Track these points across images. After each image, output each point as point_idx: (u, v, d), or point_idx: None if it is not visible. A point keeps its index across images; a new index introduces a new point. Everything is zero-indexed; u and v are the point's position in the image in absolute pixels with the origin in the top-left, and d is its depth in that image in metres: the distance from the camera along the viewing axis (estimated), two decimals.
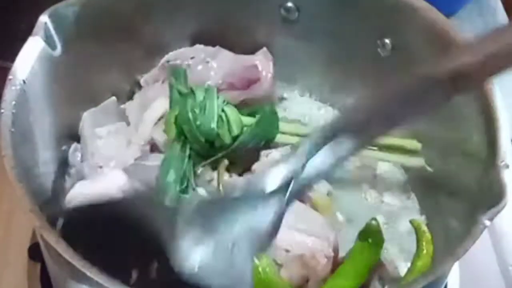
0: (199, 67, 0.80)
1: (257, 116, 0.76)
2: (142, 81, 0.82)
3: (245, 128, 0.75)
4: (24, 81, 0.66)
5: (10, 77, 0.65)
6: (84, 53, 0.73)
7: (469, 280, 0.70)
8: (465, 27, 1.04)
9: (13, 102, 0.64)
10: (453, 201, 0.72)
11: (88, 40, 0.73)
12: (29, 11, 0.70)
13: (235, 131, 0.74)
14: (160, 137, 0.76)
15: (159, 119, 0.77)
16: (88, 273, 0.54)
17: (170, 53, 0.81)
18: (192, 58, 0.81)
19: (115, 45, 0.77)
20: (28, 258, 0.77)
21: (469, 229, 0.59)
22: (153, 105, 0.78)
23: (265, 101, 0.80)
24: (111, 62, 0.78)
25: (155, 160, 0.74)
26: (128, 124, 0.80)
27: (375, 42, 0.78)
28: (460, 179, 0.70)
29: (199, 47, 0.82)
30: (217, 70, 0.80)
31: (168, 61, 0.81)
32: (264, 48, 0.82)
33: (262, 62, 0.80)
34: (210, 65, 0.80)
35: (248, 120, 0.76)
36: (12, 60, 0.67)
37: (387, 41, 0.77)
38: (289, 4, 0.80)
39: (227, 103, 0.76)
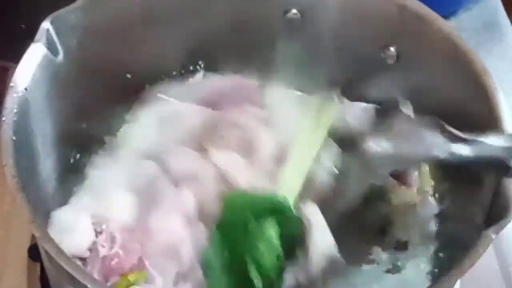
0: None
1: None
2: None
3: None
4: (26, 88, 0.65)
5: (11, 84, 0.64)
6: (87, 60, 0.72)
7: (469, 280, 0.69)
8: (465, 27, 1.04)
9: (15, 110, 0.63)
10: (459, 213, 0.72)
11: (90, 46, 0.72)
12: (29, 11, 0.69)
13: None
14: None
15: None
16: (90, 286, 0.54)
17: None
18: None
19: (118, 52, 0.76)
20: (28, 258, 0.77)
21: (475, 243, 0.59)
22: None
23: None
24: (114, 69, 0.77)
25: None
26: None
27: (380, 50, 0.77)
28: (467, 192, 0.70)
29: None
30: None
31: None
32: None
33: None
34: None
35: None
36: (12, 59, 0.66)
37: (392, 49, 0.77)
38: (294, 11, 0.79)
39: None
